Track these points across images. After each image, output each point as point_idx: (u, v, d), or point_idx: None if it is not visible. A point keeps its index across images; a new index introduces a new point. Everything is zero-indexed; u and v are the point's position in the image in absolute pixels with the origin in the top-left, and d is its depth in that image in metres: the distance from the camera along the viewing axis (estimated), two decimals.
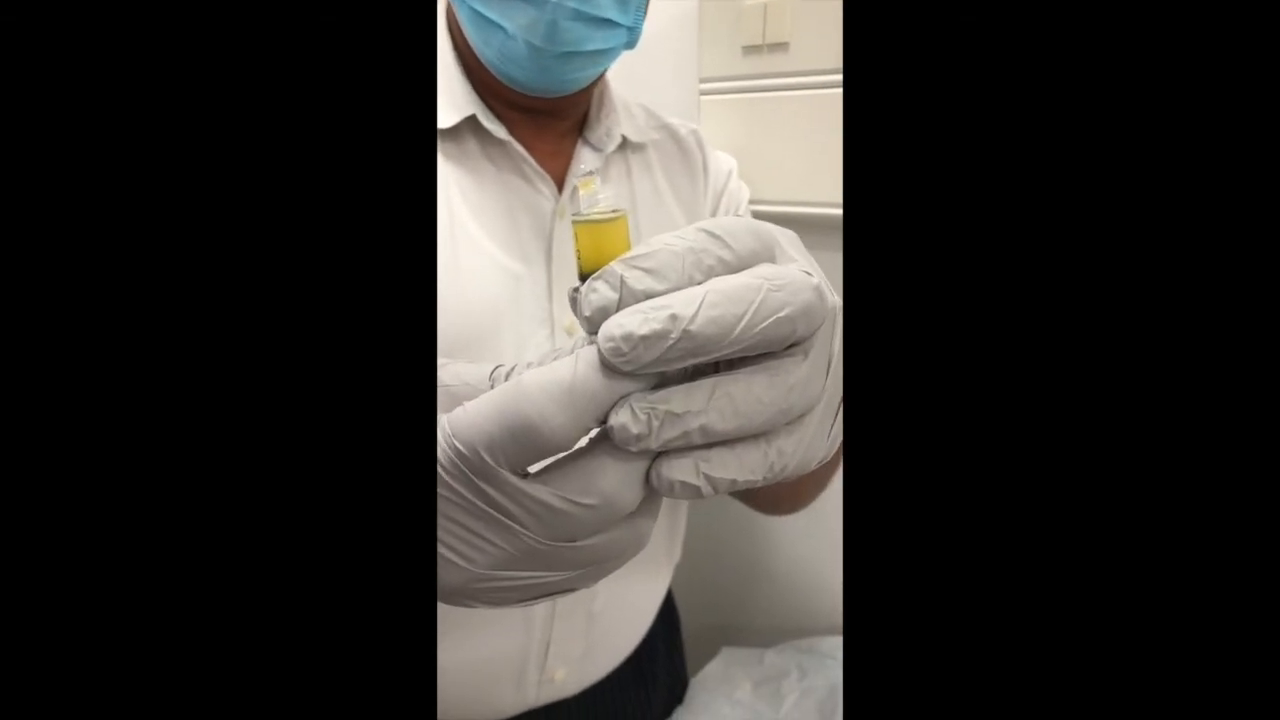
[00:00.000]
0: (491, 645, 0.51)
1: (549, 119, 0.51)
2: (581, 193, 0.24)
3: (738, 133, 0.79)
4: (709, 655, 0.80)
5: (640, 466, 0.22)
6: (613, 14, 0.43)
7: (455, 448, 0.21)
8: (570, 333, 0.50)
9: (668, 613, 0.68)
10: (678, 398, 0.21)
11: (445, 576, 0.23)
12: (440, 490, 0.22)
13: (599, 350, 0.21)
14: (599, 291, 0.21)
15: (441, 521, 0.22)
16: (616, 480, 0.21)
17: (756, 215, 0.68)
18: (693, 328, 0.20)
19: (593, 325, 0.21)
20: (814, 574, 0.89)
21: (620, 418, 0.21)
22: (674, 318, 0.20)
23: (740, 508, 0.70)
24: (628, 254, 0.21)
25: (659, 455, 0.22)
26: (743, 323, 0.20)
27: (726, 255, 0.21)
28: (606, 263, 0.22)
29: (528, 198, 0.50)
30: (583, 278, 0.23)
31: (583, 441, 0.22)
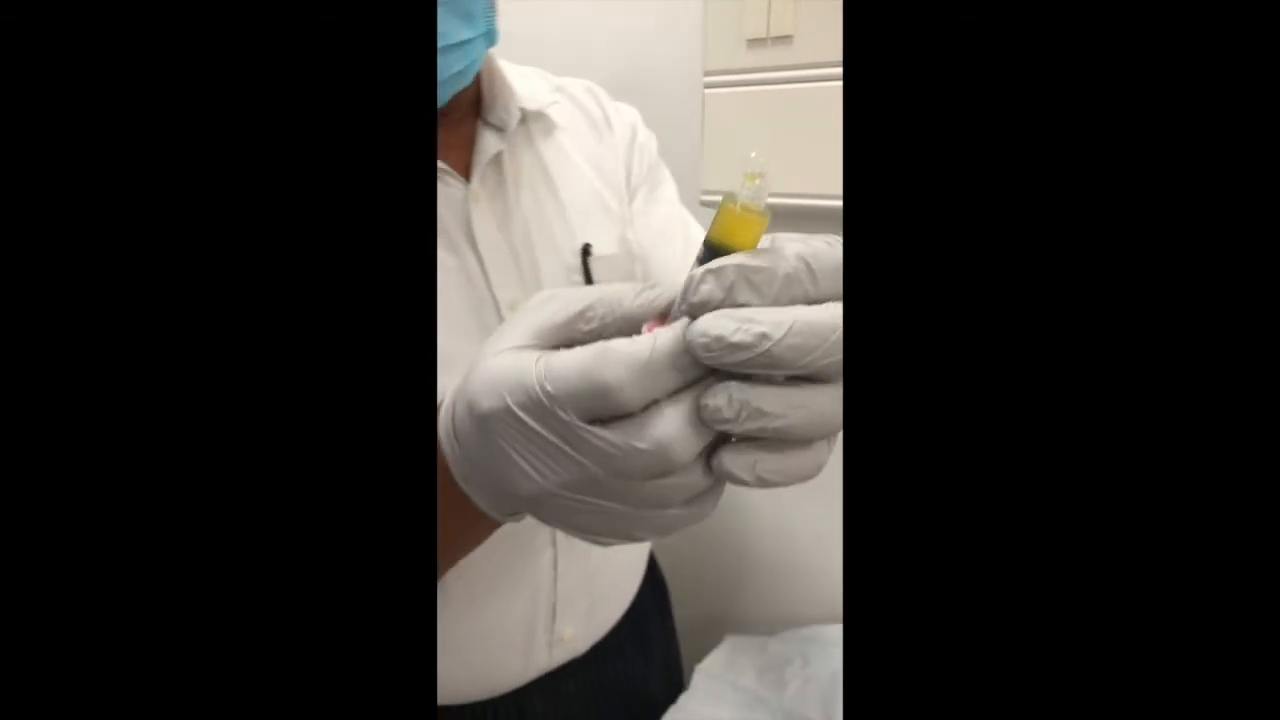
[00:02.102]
0: (500, 612, 0.53)
1: (439, 115, 0.52)
2: (745, 186, 0.25)
3: (742, 126, 0.79)
4: (713, 644, 0.81)
5: (690, 426, 0.25)
6: (460, 38, 0.44)
7: (545, 390, 0.25)
8: (513, 308, 0.50)
9: (653, 574, 0.71)
10: (768, 400, 0.24)
11: (521, 486, 0.26)
12: (526, 418, 0.25)
13: (685, 338, 0.24)
14: (709, 286, 0.24)
15: (521, 443, 0.26)
16: (671, 431, 0.24)
17: None
18: (775, 350, 0.23)
19: (692, 311, 0.24)
20: (816, 563, 0.90)
21: (716, 400, 0.24)
22: (763, 336, 0.23)
23: (743, 501, 0.71)
24: (744, 259, 0.24)
25: (722, 446, 0.25)
26: (813, 354, 0.23)
27: (812, 291, 0.24)
28: (729, 250, 0.25)
29: (439, 194, 0.50)
30: (706, 244, 0.25)
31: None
